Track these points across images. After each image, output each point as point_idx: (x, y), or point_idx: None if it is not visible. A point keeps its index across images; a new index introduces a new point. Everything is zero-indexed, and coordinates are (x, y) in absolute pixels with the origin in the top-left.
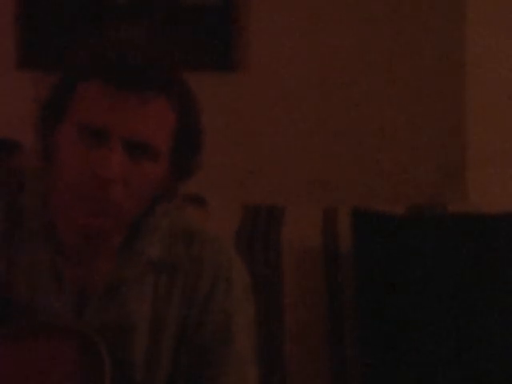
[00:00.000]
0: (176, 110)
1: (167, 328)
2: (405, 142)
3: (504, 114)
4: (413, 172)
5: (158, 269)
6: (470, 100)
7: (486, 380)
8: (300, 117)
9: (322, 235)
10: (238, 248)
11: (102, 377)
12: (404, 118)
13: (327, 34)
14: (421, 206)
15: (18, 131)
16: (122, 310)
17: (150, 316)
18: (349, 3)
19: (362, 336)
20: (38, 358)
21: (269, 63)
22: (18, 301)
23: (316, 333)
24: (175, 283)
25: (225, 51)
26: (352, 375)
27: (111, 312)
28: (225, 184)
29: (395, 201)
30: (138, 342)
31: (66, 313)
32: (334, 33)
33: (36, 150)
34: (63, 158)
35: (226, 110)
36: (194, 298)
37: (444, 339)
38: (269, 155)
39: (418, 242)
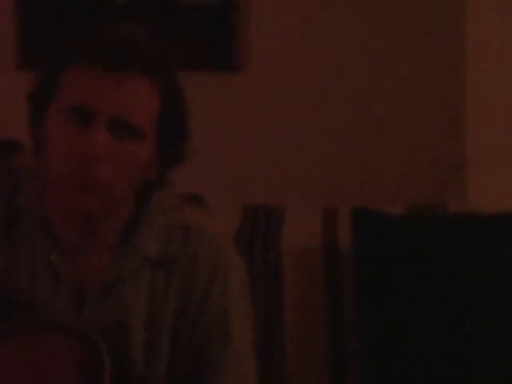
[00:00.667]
0: (159, 92)
1: (164, 324)
2: (405, 141)
3: (504, 114)
4: (413, 172)
5: (154, 265)
6: (470, 100)
7: (486, 380)
8: (300, 117)
9: (322, 235)
10: (237, 248)
11: (101, 376)
12: (404, 118)
13: (327, 34)
14: (421, 206)
15: (18, 131)
16: (120, 307)
17: (147, 312)
18: (349, 3)
19: (362, 336)
20: (37, 357)
21: (269, 63)
22: (16, 300)
23: (316, 333)
24: (172, 280)
25: (225, 51)
26: (352, 375)
27: (109, 308)
28: (225, 184)
29: (395, 201)
30: (136, 337)
31: (64, 311)
32: (334, 33)
33: (29, 143)
34: (51, 142)
35: (226, 110)
36: (190, 295)
37: (444, 339)
38: (269, 155)
39: (418, 242)
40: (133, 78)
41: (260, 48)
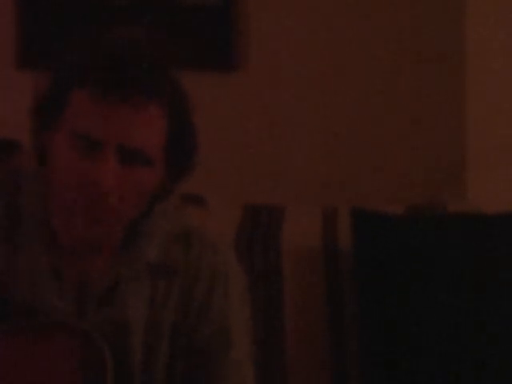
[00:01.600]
0: (167, 115)
1: (164, 330)
2: (405, 142)
3: (504, 114)
4: (413, 172)
5: (155, 270)
6: (470, 100)
7: (486, 380)
8: (300, 117)
9: (322, 235)
10: (237, 248)
11: (104, 376)
12: (404, 118)
13: (327, 34)
14: (421, 206)
15: (18, 131)
16: (120, 310)
17: (147, 316)
18: (349, 3)
19: (362, 336)
20: (38, 357)
21: (268, 63)
22: (17, 301)
23: (316, 333)
24: (173, 285)
25: (225, 51)
26: (352, 375)
27: (109, 311)
28: (225, 184)
29: (395, 201)
30: (136, 342)
31: (65, 312)
32: (334, 32)
33: (32, 152)
34: (58, 166)
35: (226, 110)
36: (191, 300)
37: (444, 339)
38: (269, 155)
39: (418, 242)
40: (142, 105)
41: (260, 48)
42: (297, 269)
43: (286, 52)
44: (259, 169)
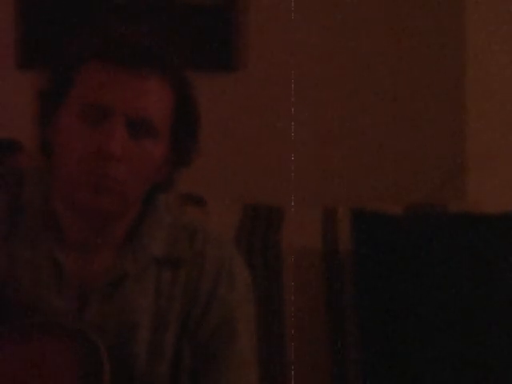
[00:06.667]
0: (175, 89)
1: (169, 323)
2: (405, 142)
3: (504, 115)
4: (413, 172)
5: (160, 264)
6: (470, 100)
7: (486, 379)
8: (299, 117)
9: (322, 235)
10: (237, 248)
11: (101, 377)
12: (404, 118)
13: (327, 34)
14: (421, 206)
15: (18, 131)
16: (124, 305)
17: (152, 311)
18: (349, 5)
19: (362, 336)
20: (36, 357)
21: (268, 63)
22: (19, 298)
23: (316, 333)
24: (178, 279)
25: (225, 51)
26: (352, 375)
27: (113, 307)
28: (225, 184)
29: (395, 201)
30: (140, 336)
31: (67, 309)
32: (334, 33)
33: (36, 142)
34: (66, 139)
35: (226, 110)
36: (196, 293)
37: (444, 339)
38: (269, 155)
39: (418, 242)
40: (149, 76)
41: (260, 48)
42: (297, 269)
43: (286, 52)
44: (259, 169)
